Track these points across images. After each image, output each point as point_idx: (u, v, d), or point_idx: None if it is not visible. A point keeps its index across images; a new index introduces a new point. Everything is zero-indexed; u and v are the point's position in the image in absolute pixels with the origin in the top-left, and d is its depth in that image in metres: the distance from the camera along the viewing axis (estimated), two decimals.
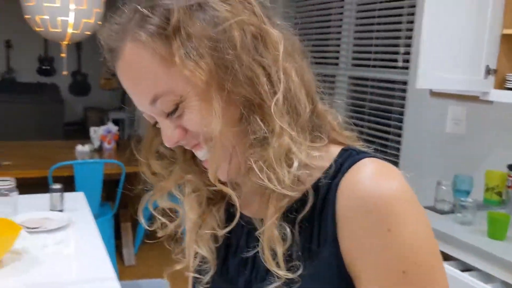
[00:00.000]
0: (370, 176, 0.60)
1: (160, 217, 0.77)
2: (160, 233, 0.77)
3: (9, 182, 1.98)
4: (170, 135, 0.66)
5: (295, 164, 0.62)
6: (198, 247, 0.75)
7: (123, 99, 6.52)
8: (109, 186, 3.49)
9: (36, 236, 1.88)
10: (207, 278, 0.75)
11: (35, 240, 1.82)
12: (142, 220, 0.76)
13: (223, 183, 0.68)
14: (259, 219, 0.67)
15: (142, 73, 0.63)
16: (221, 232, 0.73)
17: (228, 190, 0.67)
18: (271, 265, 0.63)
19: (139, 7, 0.63)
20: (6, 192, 1.94)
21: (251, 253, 0.68)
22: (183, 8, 0.61)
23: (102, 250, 1.82)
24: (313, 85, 0.69)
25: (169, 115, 0.65)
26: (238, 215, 0.67)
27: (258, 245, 0.66)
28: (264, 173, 0.62)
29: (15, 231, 1.64)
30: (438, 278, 0.59)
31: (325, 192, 0.63)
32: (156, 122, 0.69)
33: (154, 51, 0.61)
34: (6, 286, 1.50)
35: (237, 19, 0.61)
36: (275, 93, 0.62)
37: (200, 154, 0.68)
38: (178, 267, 0.78)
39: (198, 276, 0.76)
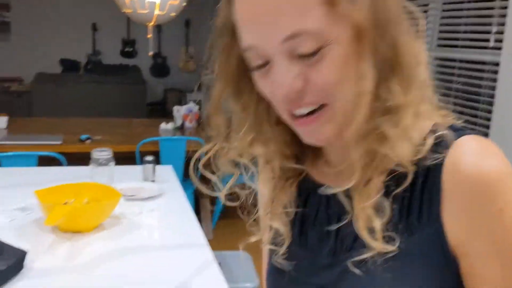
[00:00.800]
0: (476, 154, 0.58)
1: (219, 185, 0.73)
2: (224, 201, 0.74)
3: (107, 153, 2.09)
4: (290, 81, 0.57)
5: (421, 137, 0.61)
6: (271, 220, 0.74)
7: (200, 81, 6.68)
8: (188, 163, 3.62)
9: (132, 203, 2.00)
10: (283, 249, 0.72)
11: (131, 207, 1.94)
12: (195, 179, 0.73)
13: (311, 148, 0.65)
14: (342, 190, 0.64)
15: (293, 3, 0.54)
16: (293, 210, 0.71)
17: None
18: (368, 240, 0.61)
19: None
20: (105, 162, 2.07)
21: (335, 226, 0.67)
22: None
23: (193, 219, 1.91)
24: None
25: (300, 57, 0.56)
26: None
27: (341, 216, 0.65)
28: (390, 143, 0.59)
29: (116, 198, 1.77)
30: None
31: (426, 168, 0.61)
32: (261, 66, 0.59)
33: None
34: (107, 247, 1.61)
35: None
36: (418, 63, 0.60)
37: (306, 110, 0.60)
38: (253, 239, 0.76)
39: (274, 248, 0.74)
